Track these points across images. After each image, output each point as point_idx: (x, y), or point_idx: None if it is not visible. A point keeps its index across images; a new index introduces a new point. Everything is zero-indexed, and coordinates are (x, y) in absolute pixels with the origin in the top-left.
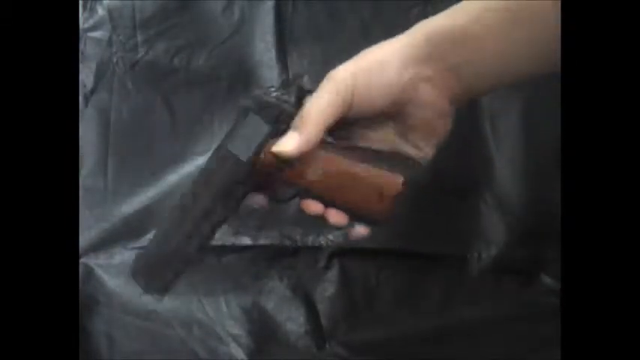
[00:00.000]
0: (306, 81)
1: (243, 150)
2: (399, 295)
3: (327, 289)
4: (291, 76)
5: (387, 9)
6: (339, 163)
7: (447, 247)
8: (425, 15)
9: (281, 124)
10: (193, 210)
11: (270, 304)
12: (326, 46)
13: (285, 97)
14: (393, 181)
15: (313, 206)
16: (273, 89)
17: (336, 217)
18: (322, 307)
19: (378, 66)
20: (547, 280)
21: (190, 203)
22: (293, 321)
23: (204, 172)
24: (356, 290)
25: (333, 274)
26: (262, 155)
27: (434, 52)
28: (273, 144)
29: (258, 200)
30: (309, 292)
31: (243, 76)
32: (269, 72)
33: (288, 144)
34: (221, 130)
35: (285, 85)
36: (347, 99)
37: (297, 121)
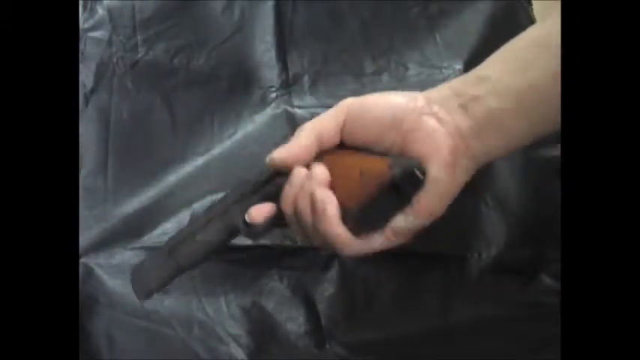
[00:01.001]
0: (305, 81)
1: None
2: (399, 295)
3: (327, 289)
4: (291, 76)
5: (387, 9)
6: (330, 153)
7: (446, 247)
8: (425, 15)
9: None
10: (211, 211)
11: (270, 304)
12: (326, 46)
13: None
14: (378, 161)
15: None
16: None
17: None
18: (322, 307)
19: (386, 94)
20: (547, 280)
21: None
22: (293, 321)
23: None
24: (356, 290)
25: (333, 274)
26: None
27: (451, 94)
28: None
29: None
30: (309, 292)
31: (243, 76)
32: (269, 72)
33: (279, 151)
34: (221, 130)
35: (285, 85)
36: (341, 112)
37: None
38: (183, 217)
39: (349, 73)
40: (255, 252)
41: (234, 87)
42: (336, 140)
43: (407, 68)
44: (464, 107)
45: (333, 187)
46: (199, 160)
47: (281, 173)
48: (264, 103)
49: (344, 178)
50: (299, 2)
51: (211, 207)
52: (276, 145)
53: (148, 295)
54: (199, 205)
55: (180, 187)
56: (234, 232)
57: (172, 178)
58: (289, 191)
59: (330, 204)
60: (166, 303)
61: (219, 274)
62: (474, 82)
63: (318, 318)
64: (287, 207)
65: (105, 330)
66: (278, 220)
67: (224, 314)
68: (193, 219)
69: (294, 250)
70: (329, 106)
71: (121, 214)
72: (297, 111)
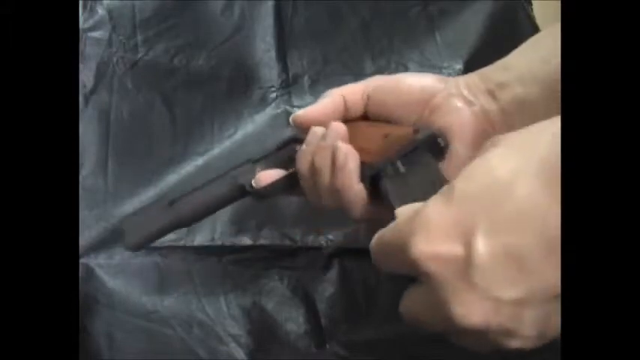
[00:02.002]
0: (305, 81)
1: None
2: (399, 295)
3: (327, 289)
4: (291, 76)
5: (387, 9)
6: (352, 123)
7: None
8: (425, 15)
9: None
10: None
11: (270, 304)
12: (326, 46)
13: None
14: (404, 127)
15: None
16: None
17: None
18: (322, 307)
19: (416, 74)
20: None
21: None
22: (293, 321)
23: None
24: (356, 290)
25: (333, 274)
26: None
27: (478, 80)
28: None
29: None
30: (309, 292)
31: (243, 76)
32: (269, 72)
33: (304, 110)
34: (221, 130)
35: (285, 85)
36: (369, 84)
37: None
38: None
39: (349, 73)
40: (255, 252)
41: (234, 87)
42: (360, 110)
43: (407, 68)
44: (491, 92)
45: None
46: (199, 160)
47: (297, 140)
48: (264, 103)
49: (366, 141)
50: (299, 2)
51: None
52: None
53: (138, 246)
54: None
55: (180, 187)
56: (241, 192)
57: (172, 178)
58: (306, 149)
59: (352, 158)
60: (166, 303)
61: (219, 274)
62: (500, 70)
63: (318, 318)
64: (303, 165)
65: (105, 330)
66: (286, 185)
67: (224, 314)
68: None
69: (294, 250)
70: None
71: (120, 214)
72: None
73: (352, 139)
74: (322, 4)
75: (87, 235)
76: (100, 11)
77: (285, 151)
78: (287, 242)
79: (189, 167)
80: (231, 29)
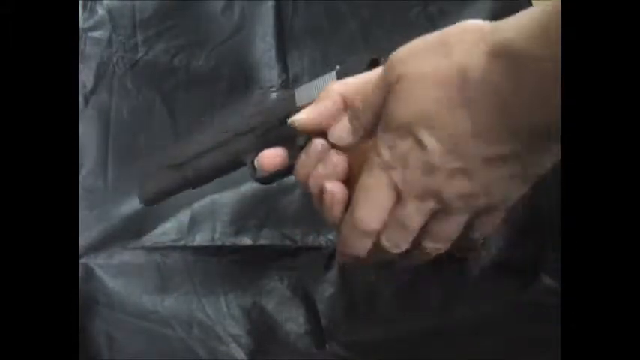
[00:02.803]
0: (305, 81)
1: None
2: (399, 295)
3: (327, 289)
4: (291, 76)
5: (387, 9)
6: None
7: None
8: (425, 15)
9: None
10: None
11: (270, 304)
12: (326, 46)
13: None
14: None
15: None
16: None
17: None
18: (322, 307)
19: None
20: (547, 280)
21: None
22: (293, 321)
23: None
24: (356, 290)
25: (333, 274)
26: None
27: None
28: None
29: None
30: (309, 292)
31: (243, 76)
32: (269, 72)
33: (301, 115)
34: None
35: (285, 85)
36: (372, 80)
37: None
38: (183, 217)
39: None
40: (255, 252)
41: (234, 87)
42: None
43: None
44: None
45: (352, 169)
46: None
47: None
48: None
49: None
50: (299, 2)
51: (225, 129)
52: None
53: (151, 201)
54: (199, 206)
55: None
56: (241, 164)
57: None
58: (304, 161)
59: (338, 202)
60: (166, 303)
61: (219, 274)
62: None
63: (318, 318)
64: (299, 176)
65: (105, 330)
66: (286, 175)
67: (224, 314)
68: (204, 139)
69: (294, 250)
70: None
71: (120, 214)
72: None
73: (351, 160)
74: (322, 4)
75: (87, 235)
76: (100, 11)
77: (288, 128)
78: (287, 242)
79: None
80: (231, 29)
